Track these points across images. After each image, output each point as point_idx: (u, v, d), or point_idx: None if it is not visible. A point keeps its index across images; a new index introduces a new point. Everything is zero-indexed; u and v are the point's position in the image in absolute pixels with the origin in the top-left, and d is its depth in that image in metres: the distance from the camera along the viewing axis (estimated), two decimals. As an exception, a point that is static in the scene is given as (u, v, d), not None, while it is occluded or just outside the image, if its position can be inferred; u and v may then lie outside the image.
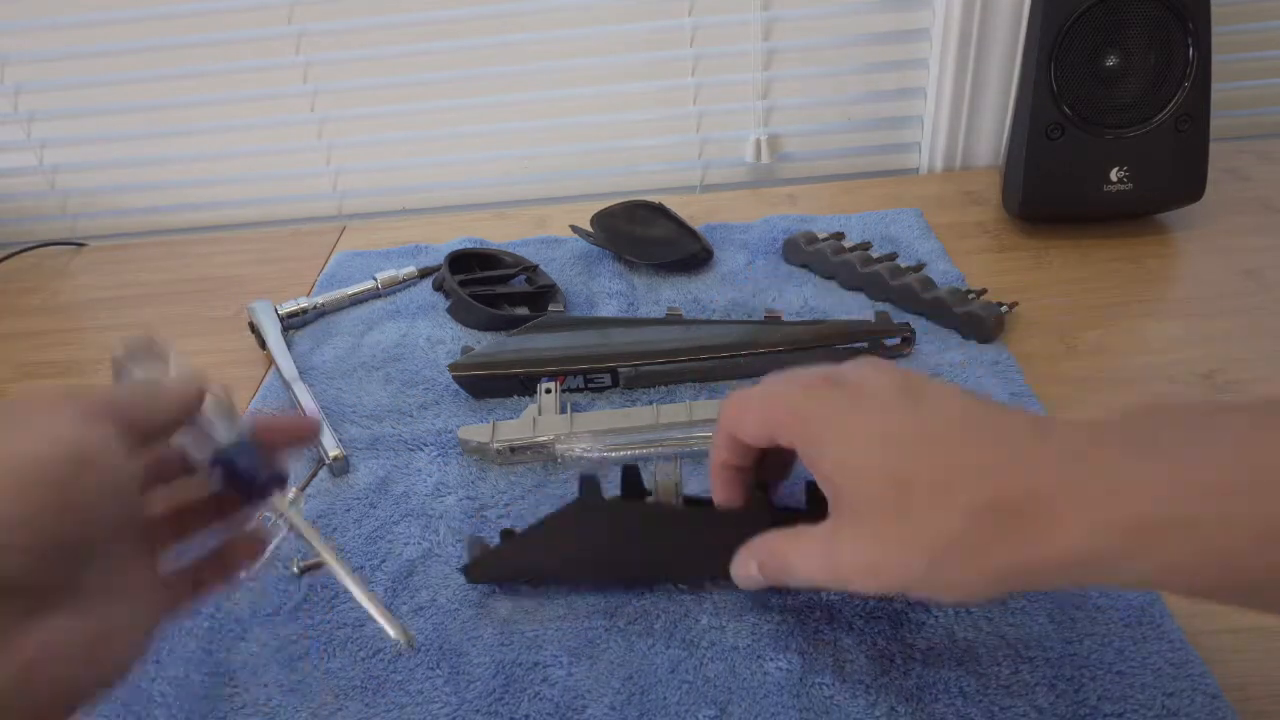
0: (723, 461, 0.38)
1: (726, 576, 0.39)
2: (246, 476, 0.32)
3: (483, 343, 0.61)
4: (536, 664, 0.40)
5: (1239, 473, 0.26)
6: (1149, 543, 0.27)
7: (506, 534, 0.42)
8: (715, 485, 0.39)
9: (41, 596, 0.25)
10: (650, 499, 0.40)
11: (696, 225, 0.73)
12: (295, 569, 0.46)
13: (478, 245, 0.73)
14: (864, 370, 0.35)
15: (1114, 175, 0.67)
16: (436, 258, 0.71)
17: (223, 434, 0.32)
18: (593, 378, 0.56)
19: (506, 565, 0.43)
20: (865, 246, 0.67)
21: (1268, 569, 0.26)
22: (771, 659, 0.39)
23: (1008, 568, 0.29)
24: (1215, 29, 0.63)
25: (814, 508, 0.41)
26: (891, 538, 0.31)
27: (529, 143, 0.86)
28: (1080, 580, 0.28)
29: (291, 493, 0.49)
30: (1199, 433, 0.28)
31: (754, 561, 0.37)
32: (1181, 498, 0.26)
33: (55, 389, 0.28)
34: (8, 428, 0.25)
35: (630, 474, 0.42)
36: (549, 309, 0.64)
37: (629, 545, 0.42)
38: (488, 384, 0.57)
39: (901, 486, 0.30)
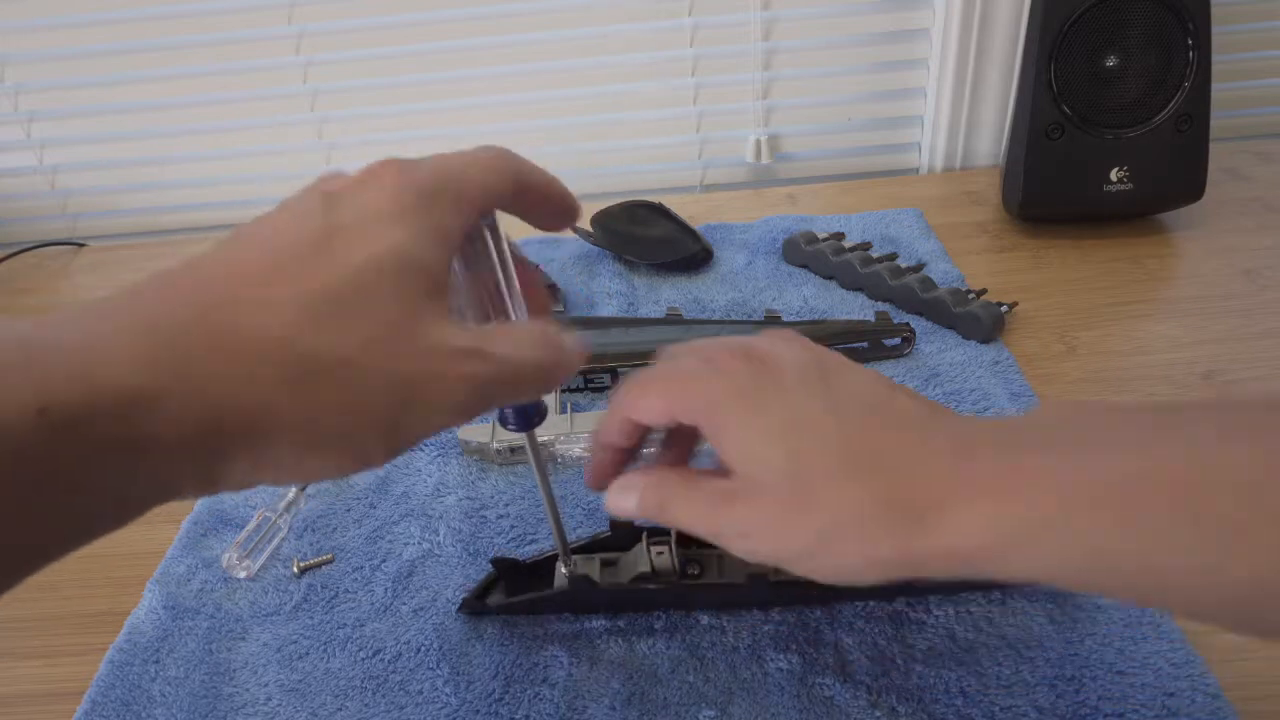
0: (608, 444, 0.36)
1: (726, 609, 0.40)
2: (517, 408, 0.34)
3: (483, 343, 0.61)
4: (536, 664, 0.40)
5: (1126, 477, 0.26)
6: (1032, 541, 0.27)
7: (497, 561, 0.42)
8: (594, 469, 0.37)
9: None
10: (644, 572, 0.40)
11: (696, 225, 0.73)
12: (295, 569, 0.46)
13: (478, 245, 0.73)
14: (776, 345, 0.35)
15: (1114, 175, 0.67)
16: (436, 258, 0.71)
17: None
18: (592, 378, 0.56)
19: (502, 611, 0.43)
20: (865, 246, 0.67)
21: (1146, 570, 0.26)
22: (772, 659, 0.39)
23: (892, 558, 0.29)
24: (1215, 29, 0.63)
25: None
26: (779, 516, 0.31)
27: (529, 143, 0.86)
28: (966, 573, 0.29)
29: (290, 493, 0.49)
30: (1099, 433, 0.28)
31: (634, 495, 0.35)
32: (1066, 498, 0.27)
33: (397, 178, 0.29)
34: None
35: (619, 524, 0.41)
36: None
37: (624, 602, 0.42)
38: (488, 384, 0.57)
39: (800, 471, 0.31)
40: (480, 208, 0.31)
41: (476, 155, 0.31)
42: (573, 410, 0.53)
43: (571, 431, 0.51)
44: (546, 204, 0.34)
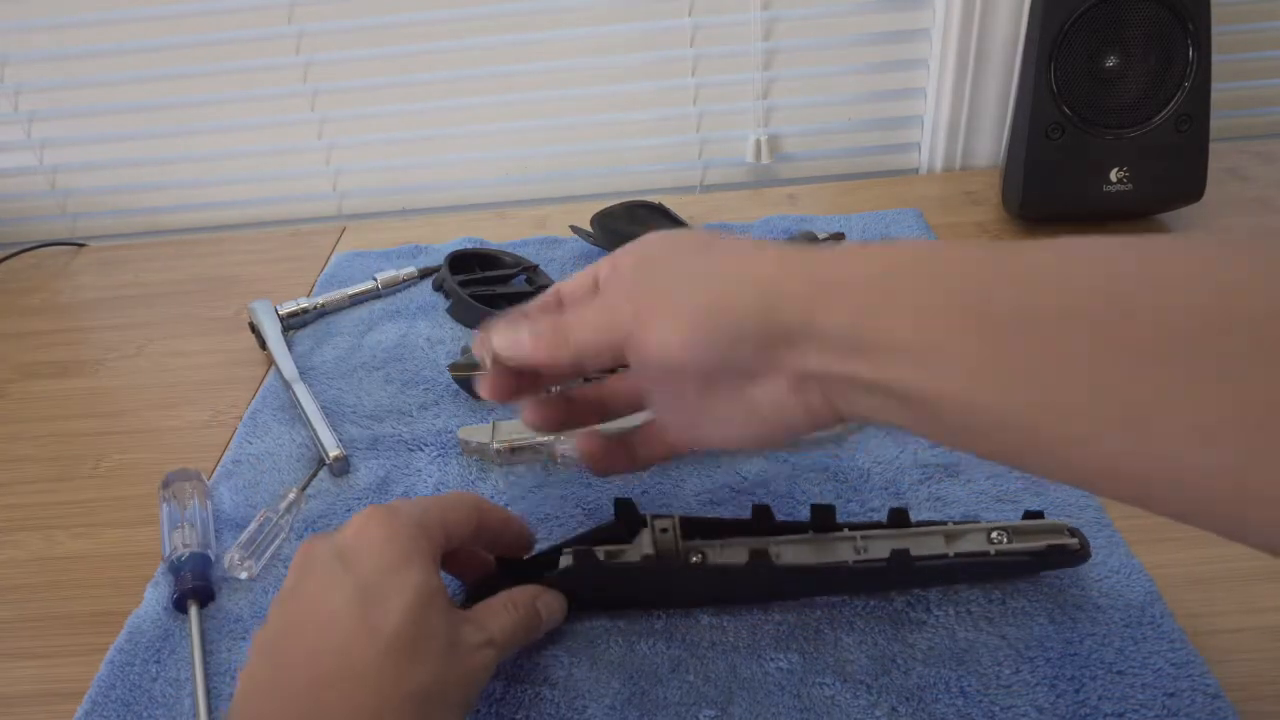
0: (502, 379, 0.37)
1: (727, 604, 0.40)
2: None
3: (483, 343, 0.61)
4: (536, 664, 0.40)
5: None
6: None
7: (499, 559, 0.42)
8: (496, 384, 0.37)
9: None
10: (648, 554, 0.40)
11: (696, 225, 0.73)
12: (295, 569, 0.46)
13: (478, 245, 0.73)
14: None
15: (1114, 175, 0.67)
16: (436, 258, 0.71)
17: None
18: (592, 377, 0.56)
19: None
20: (865, 246, 0.67)
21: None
22: (772, 658, 0.39)
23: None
24: (1215, 29, 0.63)
25: (816, 521, 0.41)
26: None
27: (529, 143, 0.86)
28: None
29: (292, 493, 0.49)
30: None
31: (527, 335, 0.35)
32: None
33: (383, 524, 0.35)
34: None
35: (624, 507, 0.42)
36: (549, 309, 0.64)
37: (627, 588, 0.42)
38: (488, 384, 0.57)
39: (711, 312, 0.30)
40: (448, 542, 0.37)
41: (446, 499, 0.38)
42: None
43: (572, 432, 0.51)
44: (503, 538, 0.41)
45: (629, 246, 0.35)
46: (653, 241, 0.34)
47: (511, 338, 0.35)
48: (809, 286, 0.28)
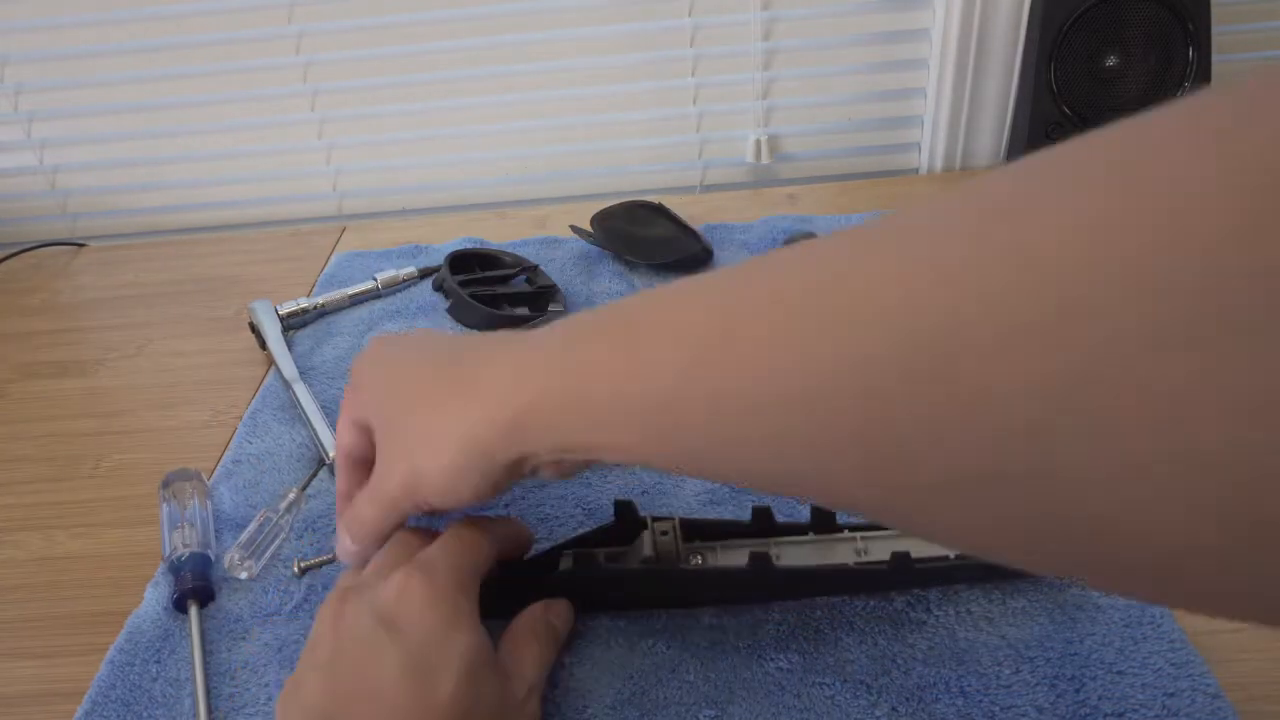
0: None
1: (729, 603, 0.40)
2: None
3: (483, 343, 0.61)
4: (537, 664, 0.40)
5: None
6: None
7: (499, 561, 0.42)
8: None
9: None
10: (649, 556, 0.40)
11: (696, 225, 0.73)
12: (296, 569, 0.46)
13: (478, 245, 0.73)
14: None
15: (1114, 175, 0.67)
16: (436, 258, 0.71)
17: None
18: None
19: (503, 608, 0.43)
20: (865, 246, 0.67)
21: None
22: (772, 658, 0.39)
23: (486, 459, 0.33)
24: (1215, 29, 0.63)
25: (816, 522, 0.41)
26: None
27: (529, 143, 0.86)
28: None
29: (292, 493, 0.49)
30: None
31: (345, 536, 0.39)
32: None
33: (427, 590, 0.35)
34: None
35: (624, 509, 0.42)
36: (549, 309, 0.64)
37: (627, 590, 0.42)
38: (488, 384, 0.57)
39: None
40: (479, 580, 0.37)
41: (470, 540, 0.38)
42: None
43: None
44: (510, 545, 0.41)
45: (355, 400, 0.39)
46: (373, 398, 0.38)
47: (345, 553, 0.39)
48: (505, 429, 0.32)
